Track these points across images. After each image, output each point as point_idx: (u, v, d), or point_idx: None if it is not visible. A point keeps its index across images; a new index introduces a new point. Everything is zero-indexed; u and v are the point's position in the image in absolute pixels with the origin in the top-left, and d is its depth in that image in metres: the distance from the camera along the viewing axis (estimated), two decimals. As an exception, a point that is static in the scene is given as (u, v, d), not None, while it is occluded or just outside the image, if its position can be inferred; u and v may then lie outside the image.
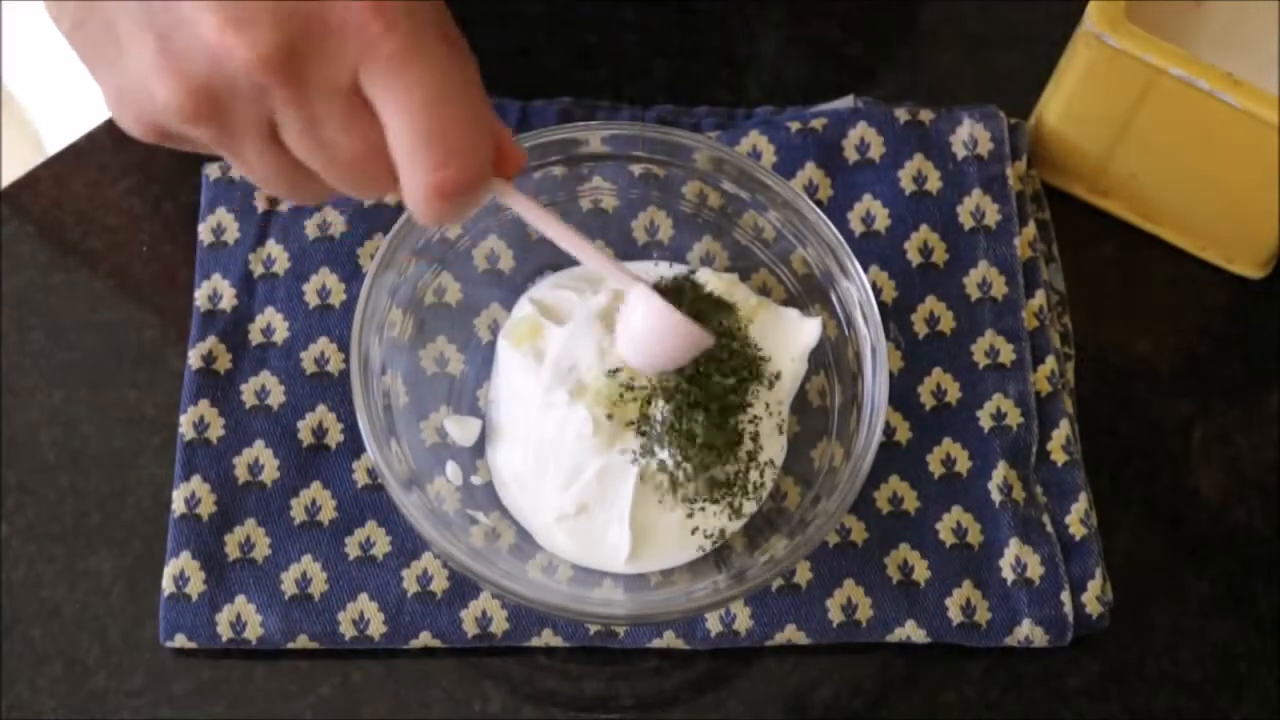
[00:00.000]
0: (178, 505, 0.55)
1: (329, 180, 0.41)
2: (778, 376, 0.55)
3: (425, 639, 0.54)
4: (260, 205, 0.60)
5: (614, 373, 0.53)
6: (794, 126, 0.61)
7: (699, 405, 0.53)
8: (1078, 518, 0.56)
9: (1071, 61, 0.59)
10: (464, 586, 0.54)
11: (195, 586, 0.54)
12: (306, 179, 0.42)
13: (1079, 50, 0.58)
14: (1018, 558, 0.55)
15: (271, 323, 0.58)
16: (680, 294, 0.55)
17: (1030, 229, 0.61)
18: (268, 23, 0.37)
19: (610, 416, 0.53)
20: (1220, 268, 0.63)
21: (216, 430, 0.56)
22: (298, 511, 0.55)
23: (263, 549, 0.55)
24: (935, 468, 0.57)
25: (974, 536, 0.56)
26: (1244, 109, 0.55)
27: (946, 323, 0.59)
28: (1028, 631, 0.55)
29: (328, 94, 0.39)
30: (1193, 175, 0.60)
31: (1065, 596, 0.55)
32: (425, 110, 0.39)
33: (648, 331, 0.49)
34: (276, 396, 0.57)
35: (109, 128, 0.63)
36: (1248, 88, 0.55)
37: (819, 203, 0.60)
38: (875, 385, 0.52)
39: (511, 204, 0.46)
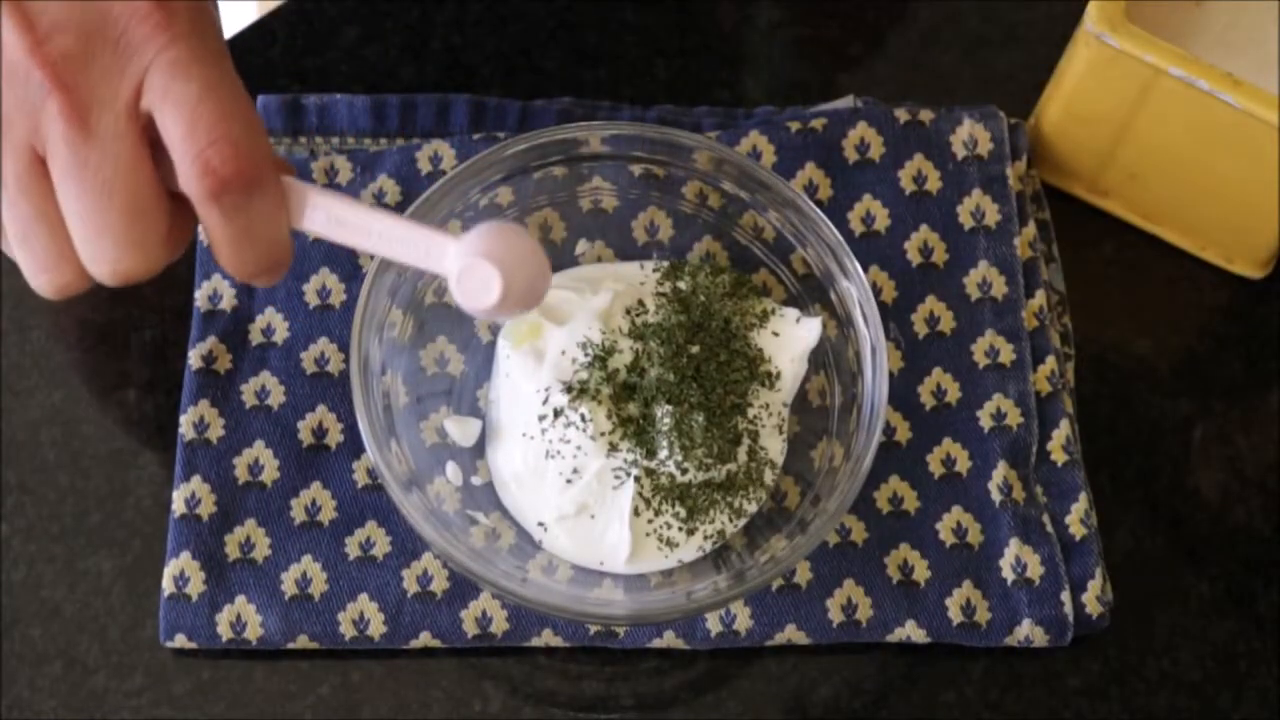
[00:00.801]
0: (178, 505, 0.55)
1: (90, 227, 0.40)
2: (778, 377, 0.55)
3: (425, 639, 0.54)
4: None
5: (614, 373, 0.53)
6: (794, 126, 0.61)
7: (699, 406, 0.53)
8: (1078, 518, 0.56)
9: (1071, 62, 0.59)
10: (464, 586, 0.54)
11: (195, 587, 0.54)
12: (56, 237, 0.41)
13: (1079, 50, 0.58)
14: (1018, 558, 0.55)
15: (271, 323, 0.58)
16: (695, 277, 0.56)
17: (1030, 229, 0.61)
18: (62, 21, 0.38)
19: (610, 417, 0.53)
20: (1220, 268, 0.63)
21: (216, 430, 0.56)
22: (298, 512, 0.55)
23: (263, 549, 0.55)
24: (935, 468, 0.57)
25: (974, 536, 0.56)
26: (1244, 109, 0.55)
27: (946, 323, 0.59)
28: (1028, 631, 0.55)
29: (109, 106, 0.39)
30: (1193, 175, 0.60)
31: (1065, 596, 0.55)
32: (203, 98, 0.39)
33: (509, 256, 0.43)
34: (276, 397, 0.57)
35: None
36: (1248, 88, 0.55)
37: (819, 203, 0.60)
38: (875, 385, 0.52)
39: (309, 204, 0.43)
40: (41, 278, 0.43)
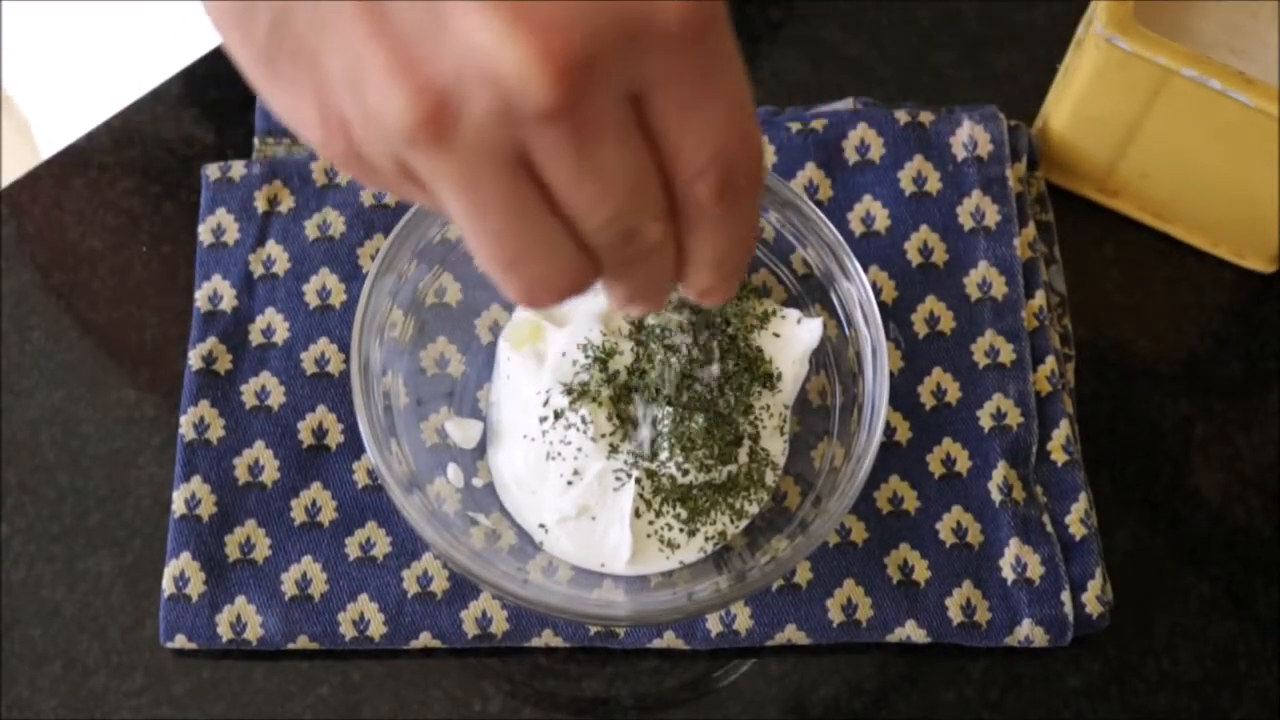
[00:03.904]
0: (178, 506, 0.55)
1: (591, 215, 0.33)
2: (779, 378, 0.55)
3: (425, 639, 0.54)
4: (260, 206, 0.60)
5: (614, 375, 0.53)
6: (794, 127, 0.61)
7: (700, 407, 0.53)
8: (1078, 518, 0.56)
9: (1079, 64, 0.59)
10: (464, 587, 0.54)
11: (195, 587, 0.54)
12: (553, 233, 0.33)
13: (1088, 53, 0.58)
14: (1018, 557, 0.55)
15: (272, 323, 0.58)
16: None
17: (1030, 230, 0.61)
18: (567, 26, 0.30)
19: (611, 419, 0.53)
20: (1225, 268, 0.63)
21: (217, 431, 0.56)
22: (298, 512, 0.55)
23: (263, 550, 0.55)
24: (935, 468, 0.57)
25: (974, 536, 0.56)
26: (1257, 107, 0.55)
27: (946, 323, 0.59)
28: (1028, 631, 0.55)
29: (614, 106, 0.32)
30: (1205, 173, 0.60)
31: (1065, 596, 0.55)
32: (724, 120, 0.33)
33: None
34: (277, 397, 0.57)
35: (109, 128, 0.63)
36: (1260, 85, 0.55)
37: (819, 203, 0.60)
38: (875, 385, 0.52)
39: None
40: (542, 293, 0.35)
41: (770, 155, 0.61)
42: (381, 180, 0.33)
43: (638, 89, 0.32)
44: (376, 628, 0.54)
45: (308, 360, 0.58)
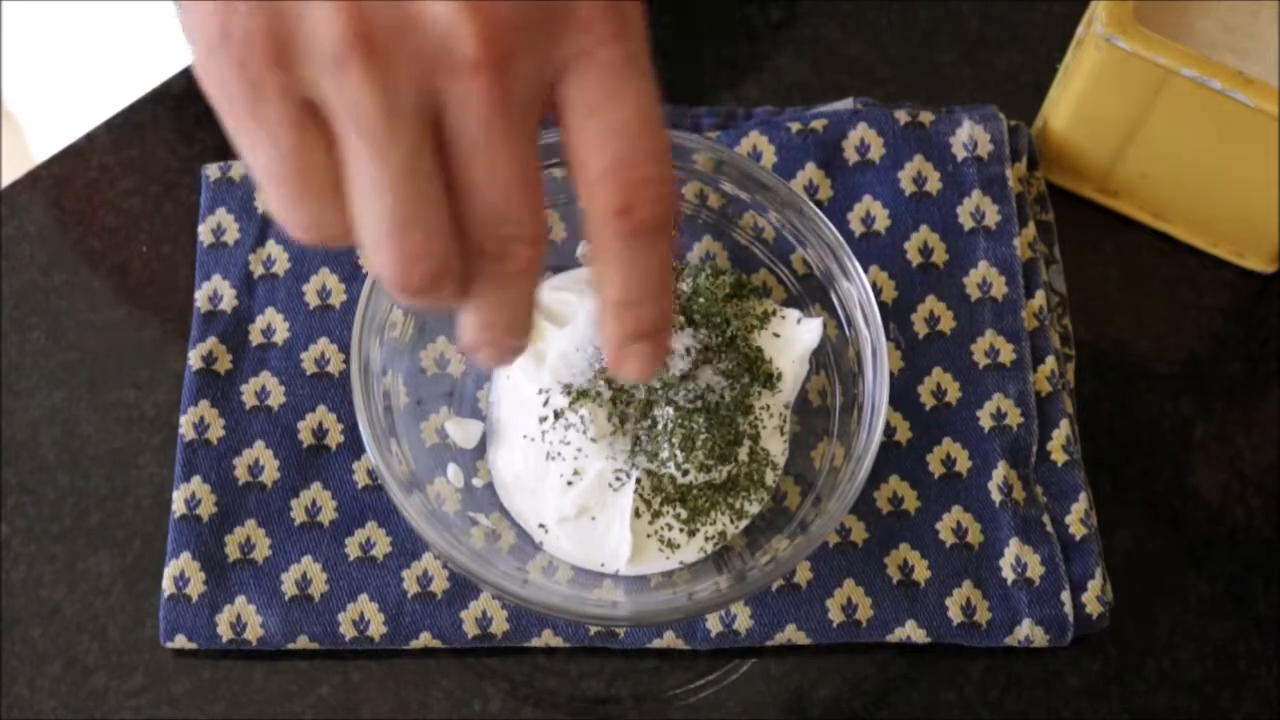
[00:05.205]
0: (178, 506, 0.55)
1: (485, 191, 0.34)
2: (779, 378, 0.55)
3: (425, 639, 0.54)
4: (260, 206, 0.60)
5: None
6: (794, 127, 0.61)
7: (700, 407, 0.53)
8: (1078, 518, 0.56)
9: (1080, 64, 0.59)
10: (464, 587, 0.54)
11: (195, 587, 0.54)
12: (439, 208, 0.34)
13: (1088, 53, 0.58)
14: (1018, 557, 0.55)
15: (272, 323, 0.58)
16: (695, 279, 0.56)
17: (1030, 230, 0.61)
18: None
19: (610, 419, 0.53)
20: (1225, 268, 0.63)
21: (217, 431, 0.56)
22: (298, 512, 0.55)
23: (263, 550, 0.55)
24: (935, 468, 0.57)
25: (974, 536, 0.56)
26: (1256, 107, 0.55)
27: (946, 323, 0.59)
28: (1028, 631, 0.55)
29: (533, 79, 0.33)
30: (1204, 173, 0.60)
31: (1065, 596, 0.55)
32: (643, 128, 0.35)
33: None
34: (277, 397, 0.57)
35: (108, 128, 0.63)
36: (1260, 85, 0.55)
37: (819, 203, 0.60)
38: (875, 385, 0.52)
39: None
40: (415, 268, 0.34)
41: (770, 155, 0.61)
42: (264, 111, 0.32)
43: (555, 70, 0.33)
44: (376, 628, 0.54)
45: (308, 360, 0.58)
